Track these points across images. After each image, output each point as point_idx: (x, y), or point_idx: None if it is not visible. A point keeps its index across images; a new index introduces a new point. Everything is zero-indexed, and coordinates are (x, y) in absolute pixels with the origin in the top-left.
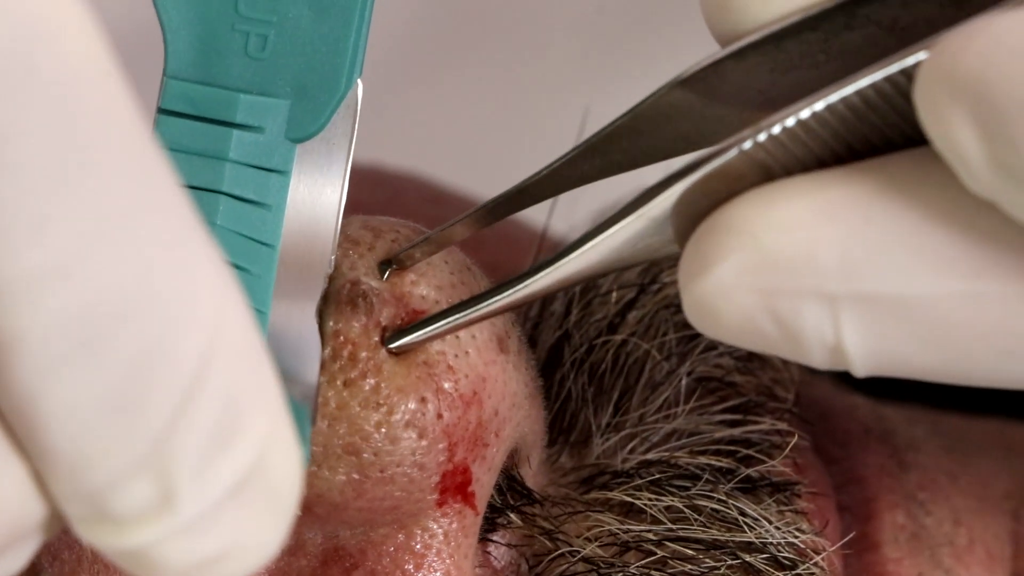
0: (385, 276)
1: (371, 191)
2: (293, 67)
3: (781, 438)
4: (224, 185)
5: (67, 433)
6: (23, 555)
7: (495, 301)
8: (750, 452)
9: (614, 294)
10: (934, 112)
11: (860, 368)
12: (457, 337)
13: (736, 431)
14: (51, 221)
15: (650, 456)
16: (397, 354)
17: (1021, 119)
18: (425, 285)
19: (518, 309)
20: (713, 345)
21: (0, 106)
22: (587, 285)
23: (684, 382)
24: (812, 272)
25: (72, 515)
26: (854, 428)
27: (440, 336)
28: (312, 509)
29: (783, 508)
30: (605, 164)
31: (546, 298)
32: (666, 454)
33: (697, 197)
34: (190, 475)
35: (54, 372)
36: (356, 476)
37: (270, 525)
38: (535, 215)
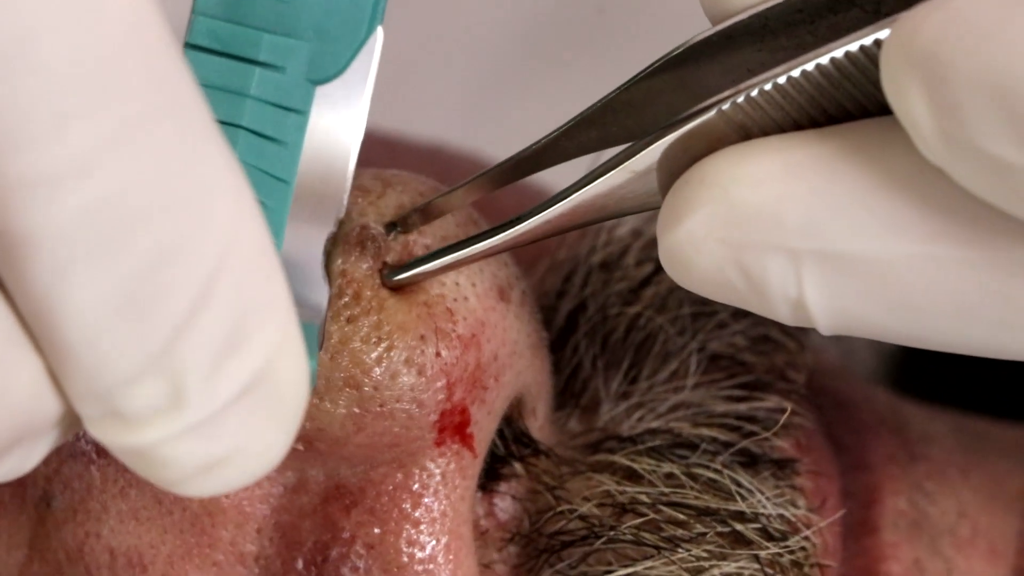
0: (392, 236)
1: (428, 163)
2: (317, 11)
3: (788, 418)
4: (244, 120)
5: (80, 331)
6: (37, 452)
7: (488, 242)
8: (753, 428)
9: (632, 268)
10: (893, 82)
11: (823, 325)
12: (457, 284)
13: (741, 406)
14: (71, 120)
15: (653, 424)
16: (399, 294)
17: (966, 93)
18: (430, 235)
19: (511, 250)
20: (726, 323)
21: (26, 4)
22: (606, 259)
23: (695, 357)
24: (776, 227)
25: (84, 414)
26: (868, 417)
27: (437, 273)
28: (314, 444)
29: (780, 484)
30: (602, 136)
31: (570, 270)
32: (669, 423)
33: (679, 154)
34: (199, 377)
35: (69, 270)
36: (356, 410)
37: (275, 431)
38: (556, 180)
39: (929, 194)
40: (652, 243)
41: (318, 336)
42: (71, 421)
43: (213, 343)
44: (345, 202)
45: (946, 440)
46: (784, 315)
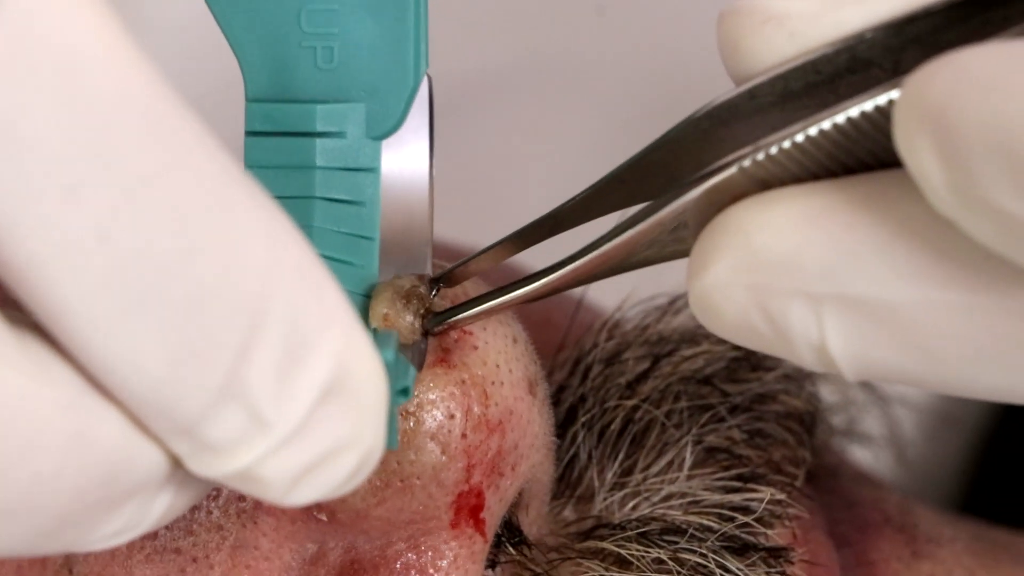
0: (434, 293)
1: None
2: (362, 71)
3: (782, 509)
4: (316, 191)
5: (144, 382)
6: (156, 506)
7: (524, 289)
8: (748, 520)
9: (632, 363)
10: (904, 138)
11: (847, 371)
12: (497, 366)
13: (735, 497)
14: (79, 189)
15: (644, 512)
16: (436, 367)
17: (975, 149)
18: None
19: (546, 296)
20: (723, 417)
21: (11, 88)
22: (608, 355)
23: (690, 449)
24: (797, 272)
25: (180, 453)
26: (875, 516)
27: (476, 319)
28: (336, 514)
29: (771, 571)
30: (630, 193)
31: (574, 366)
32: (662, 512)
33: (705, 207)
34: (270, 395)
35: (114, 330)
36: (378, 483)
37: (362, 424)
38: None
39: (940, 243)
40: (654, 340)
41: (395, 339)
42: (183, 476)
43: (274, 361)
44: (430, 249)
45: (956, 543)
46: (809, 360)
